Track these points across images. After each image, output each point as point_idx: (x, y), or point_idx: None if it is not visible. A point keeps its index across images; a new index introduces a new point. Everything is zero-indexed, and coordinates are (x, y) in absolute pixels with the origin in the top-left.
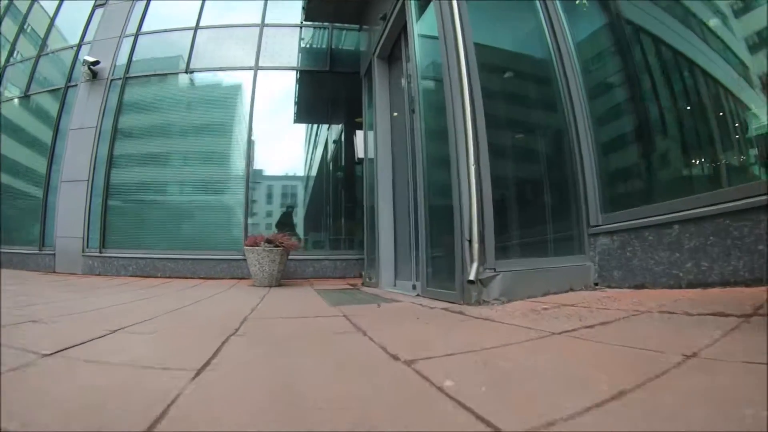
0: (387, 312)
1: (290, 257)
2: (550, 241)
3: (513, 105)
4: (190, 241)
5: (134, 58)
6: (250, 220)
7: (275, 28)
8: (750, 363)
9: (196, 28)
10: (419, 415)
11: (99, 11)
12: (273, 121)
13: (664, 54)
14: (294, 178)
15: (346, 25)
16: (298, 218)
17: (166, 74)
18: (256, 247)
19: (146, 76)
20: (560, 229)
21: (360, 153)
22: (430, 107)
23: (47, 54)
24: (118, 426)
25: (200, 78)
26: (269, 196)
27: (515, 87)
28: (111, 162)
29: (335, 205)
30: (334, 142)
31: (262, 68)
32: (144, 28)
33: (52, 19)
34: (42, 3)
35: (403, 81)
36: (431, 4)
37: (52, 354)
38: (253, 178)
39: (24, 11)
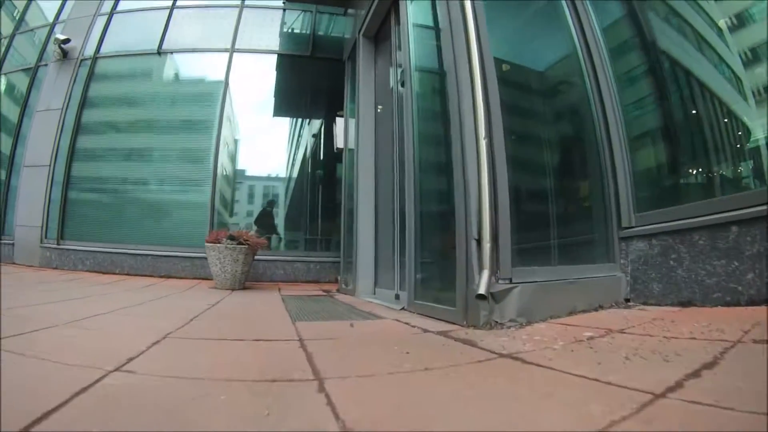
0: (362, 337)
1: (259, 257)
2: (572, 245)
3: (524, 82)
4: (152, 236)
5: (107, 39)
6: (231, 219)
7: (255, 10)
8: None
9: (172, 7)
10: None
11: None
12: (249, 110)
13: None
14: (270, 176)
15: (330, 8)
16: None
17: (136, 54)
18: (218, 244)
19: (116, 56)
20: (583, 230)
21: (339, 143)
22: (425, 79)
23: (24, 32)
24: None
25: (172, 61)
26: (238, 187)
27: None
28: (74, 147)
29: (312, 203)
30: (314, 136)
31: (239, 50)
32: (119, 8)
33: None
34: None
35: (392, 61)
36: None
37: None
38: (221, 170)
39: None
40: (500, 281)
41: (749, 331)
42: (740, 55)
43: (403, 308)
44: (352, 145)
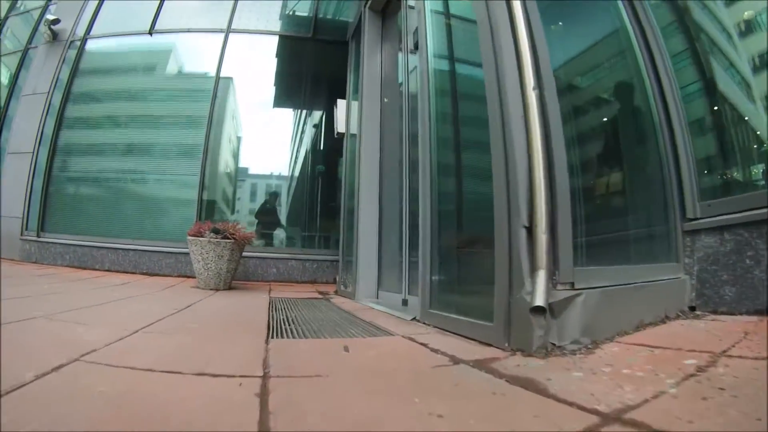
0: (360, 372)
1: (251, 254)
2: (632, 240)
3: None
4: (135, 230)
5: (98, 20)
6: (233, 217)
7: None
8: None
9: None
10: None
11: None
12: (244, 94)
13: None
14: (266, 168)
15: None
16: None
17: (127, 34)
18: (200, 238)
19: (106, 36)
20: (641, 222)
21: (340, 127)
22: (443, 42)
23: (19, 14)
24: None
25: (165, 42)
26: (232, 179)
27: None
28: (58, 133)
29: (311, 196)
30: (314, 126)
31: (235, 31)
32: None
33: None
34: None
35: (402, 30)
36: None
37: None
38: (212, 155)
39: None
40: (559, 287)
41: None
42: None
43: (414, 318)
44: (354, 129)
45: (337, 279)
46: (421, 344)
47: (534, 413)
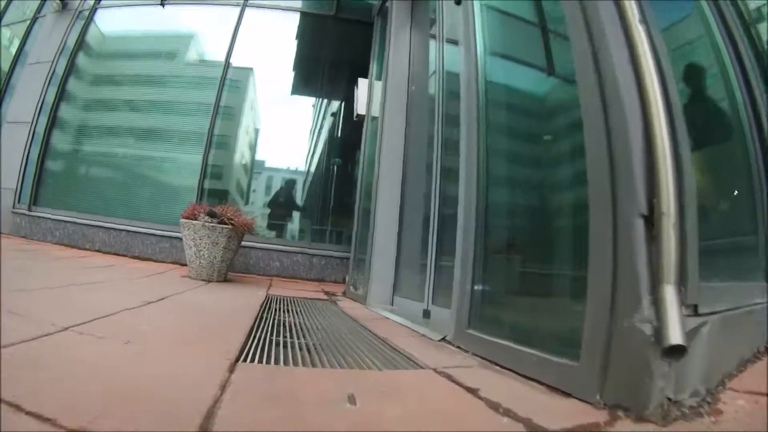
0: None
1: (254, 244)
2: (729, 249)
3: None
4: (129, 209)
5: None
6: (247, 208)
7: None
8: None
9: None
10: None
11: None
12: (258, 66)
13: None
14: (286, 167)
15: None
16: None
17: (137, 5)
18: (194, 221)
19: (116, 5)
20: (737, 227)
21: (361, 109)
22: None
23: None
24: None
25: (176, 13)
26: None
27: None
28: (58, 104)
29: (324, 189)
30: (332, 115)
31: (252, 5)
32: None
33: None
34: None
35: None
36: None
37: None
38: (221, 143)
39: None
40: (684, 310)
41: None
42: None
43: (444, 339)
44: (376, 112)
45: (347, 279)
46: (468, 390)
47: None
